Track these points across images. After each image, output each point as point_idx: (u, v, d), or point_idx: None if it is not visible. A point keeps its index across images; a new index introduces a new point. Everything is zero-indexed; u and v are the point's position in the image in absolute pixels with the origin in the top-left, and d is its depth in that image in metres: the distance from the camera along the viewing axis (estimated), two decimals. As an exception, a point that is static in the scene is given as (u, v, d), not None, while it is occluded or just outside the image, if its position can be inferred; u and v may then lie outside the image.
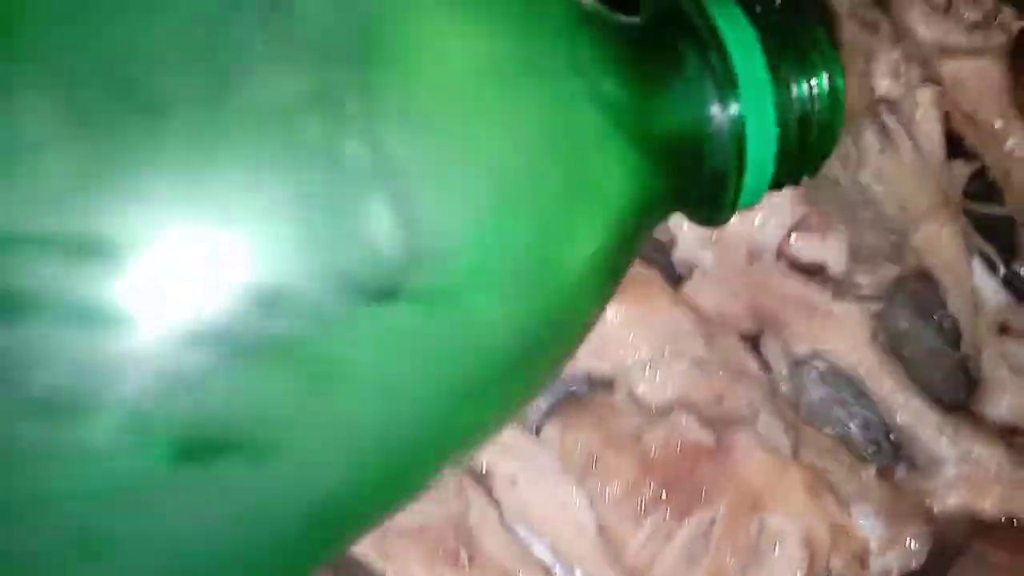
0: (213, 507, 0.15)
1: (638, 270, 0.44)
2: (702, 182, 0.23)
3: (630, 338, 0.41)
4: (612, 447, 0.40)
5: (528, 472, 0.41)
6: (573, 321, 0.22)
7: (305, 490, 0.16)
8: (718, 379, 0.41)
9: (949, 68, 0.48)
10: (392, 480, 0.18)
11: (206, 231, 0.14)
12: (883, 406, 0.43)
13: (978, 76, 0.47)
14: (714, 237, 0.43)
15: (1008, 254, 0.47)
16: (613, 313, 0.41)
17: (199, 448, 0.14)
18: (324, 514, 0.17)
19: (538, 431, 0.42)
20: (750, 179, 0.24)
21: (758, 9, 0.24)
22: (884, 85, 0.46)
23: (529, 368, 0.21)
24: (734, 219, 0.27)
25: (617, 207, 0.20)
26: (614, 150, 0.19)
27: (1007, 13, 0.48)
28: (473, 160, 0.16)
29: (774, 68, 0.23)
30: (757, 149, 0.23)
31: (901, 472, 0.43)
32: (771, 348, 0.44)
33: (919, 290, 0.47)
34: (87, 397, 0.13)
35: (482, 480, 0.40)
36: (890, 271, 0.46)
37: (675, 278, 0.45)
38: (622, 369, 0.41)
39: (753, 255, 0.43)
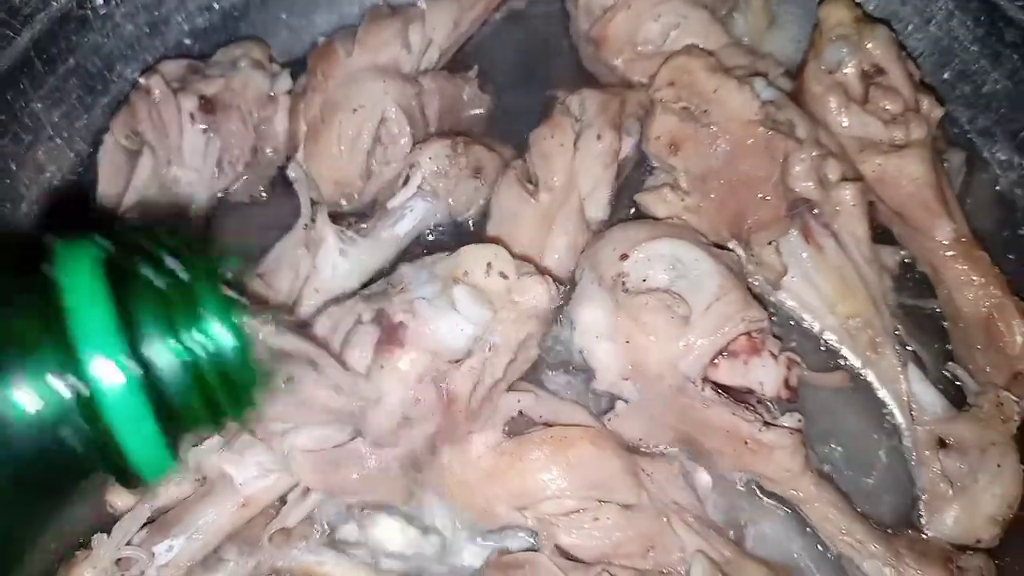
0: None
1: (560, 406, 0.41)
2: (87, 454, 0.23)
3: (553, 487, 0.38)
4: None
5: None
6: None
7: None
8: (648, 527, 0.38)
9: (871, 164, 0.45)
10: None
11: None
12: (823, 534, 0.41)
13: (901, 171, 0.45)
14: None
15: (939, 353, 0.45)
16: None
17: None
18: None
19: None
20: (130, 440, 0.22)
21: (142, 269, 0.23)
22: (802, 186, 0.43)
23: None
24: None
25: None
26: None
27: (926, 102, 0.46)
28: None
29: (129, 329, 0.22)
30: (119, 411, 0.22)
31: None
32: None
33: (856, 402, 0.44)
34: None
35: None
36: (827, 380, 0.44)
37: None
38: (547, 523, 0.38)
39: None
